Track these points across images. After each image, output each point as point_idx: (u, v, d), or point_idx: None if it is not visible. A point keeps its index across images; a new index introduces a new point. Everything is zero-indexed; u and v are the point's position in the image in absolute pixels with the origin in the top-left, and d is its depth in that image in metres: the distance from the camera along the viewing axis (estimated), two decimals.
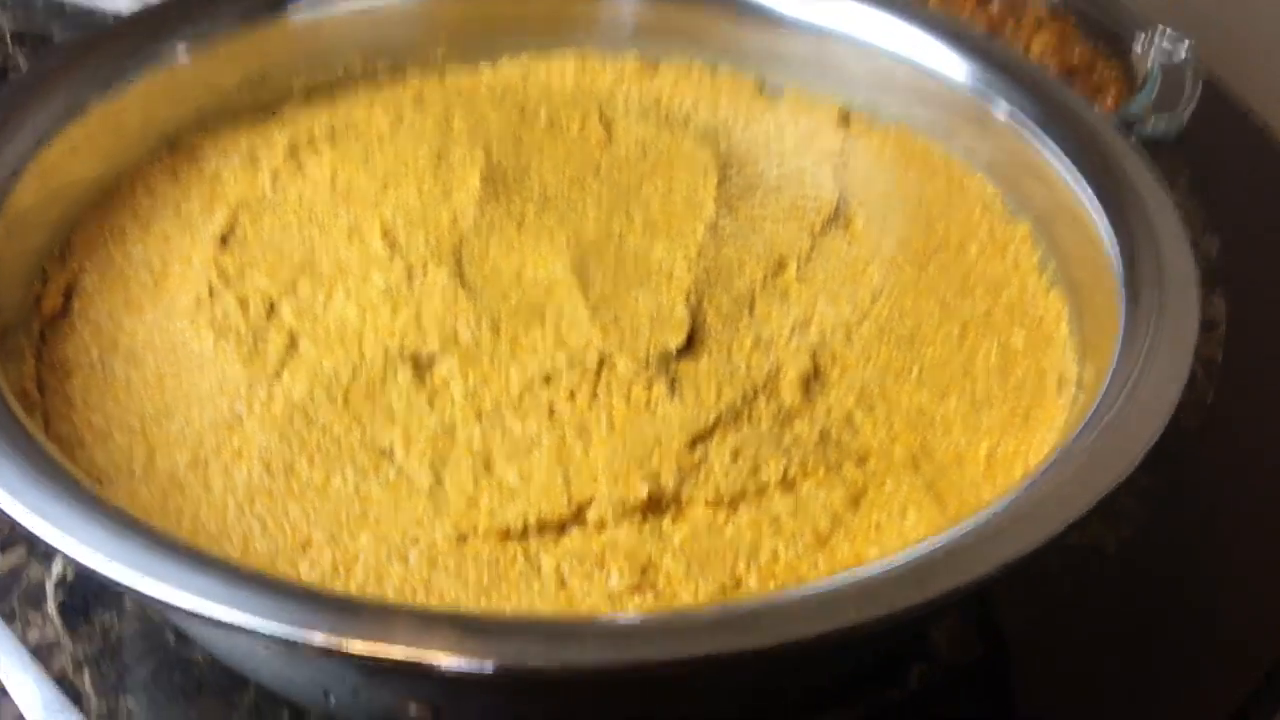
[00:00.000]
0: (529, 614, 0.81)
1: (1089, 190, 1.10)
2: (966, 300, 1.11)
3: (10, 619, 1.00)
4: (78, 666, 0.98)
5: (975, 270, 1.14)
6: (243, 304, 1.04)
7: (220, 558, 0.74)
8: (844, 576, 0.77)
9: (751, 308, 1.08)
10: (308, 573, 0.85)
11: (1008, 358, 1.06)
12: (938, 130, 1.29)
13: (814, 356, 1.03)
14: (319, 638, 0.68)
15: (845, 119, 1.34)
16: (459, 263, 1.09)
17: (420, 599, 0.84)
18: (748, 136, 1.31)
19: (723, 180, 1.22)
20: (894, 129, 1.32)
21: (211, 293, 1.04)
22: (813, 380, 1.02)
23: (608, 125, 1.31)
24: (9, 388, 0.89)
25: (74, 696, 0.94)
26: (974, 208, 1.21)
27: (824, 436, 0.97)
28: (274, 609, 0.69)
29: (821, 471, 0.94)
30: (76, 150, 1.12)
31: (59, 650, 0.99)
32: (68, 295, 1.07)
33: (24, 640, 0.97)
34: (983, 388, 1.03)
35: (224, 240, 1.11)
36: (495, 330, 1.02)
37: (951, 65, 1.26)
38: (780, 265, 1.13)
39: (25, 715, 0.90)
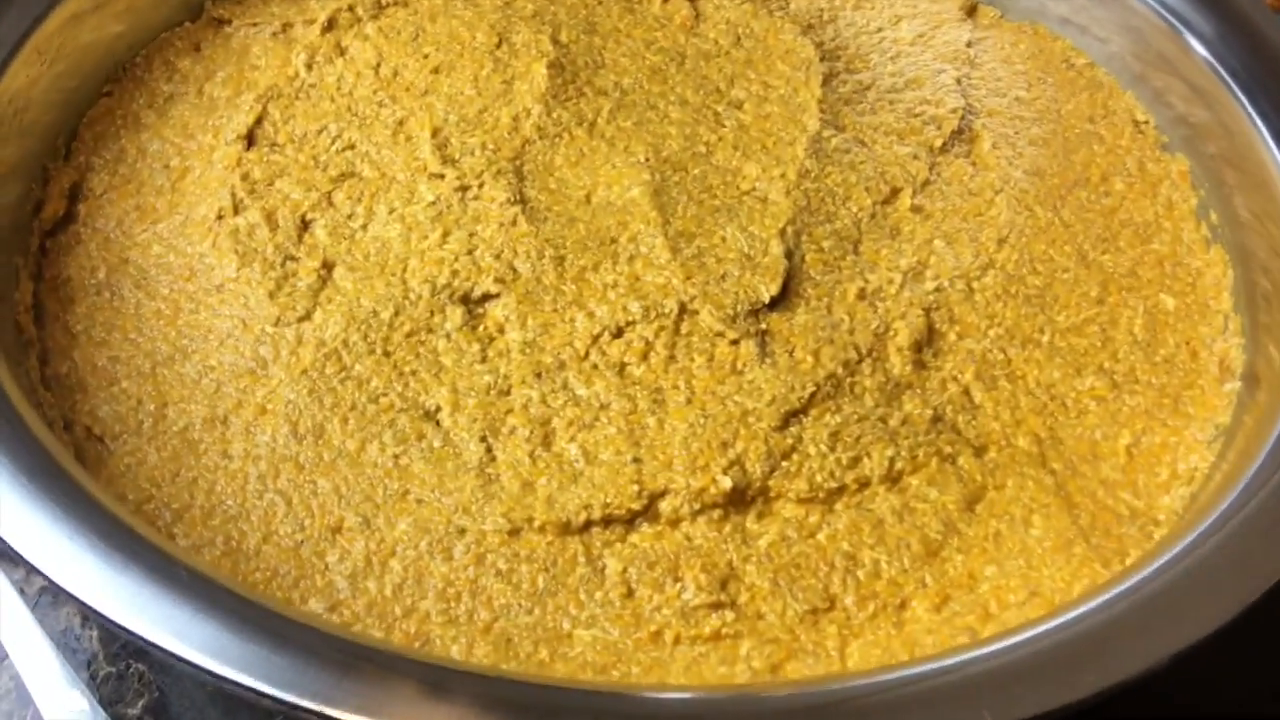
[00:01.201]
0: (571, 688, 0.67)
1: (1277, 127, 0.93)
2: (1108, 251, 0.95)
3: None
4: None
5: (1120, 213, 0.97)
6: (270, 219, 0.90)
7: (214, 592, 0.61)
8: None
9: (857, 246, 0.93)
10: (336, 565, 0.74)
11: (1155, 326, 0.90)
12: (1083, 31, 1.09)
13: (928, 314, 0.88)
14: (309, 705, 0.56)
15: (972, 8, 1.15)
16: (519, 176, 0.93)
17: (465, 605, 0.73)
18: (858, 23, 1.12)
19: (828, 79, 1.05)
20: (1029, 26, 1.13)
21: (236, 205, 0.90)
22: (926, 345, 0.87)
23: (694, 2, 1.12)
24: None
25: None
26: (1122, 132, 1.03)
27: (937, 418, 0.83)
28: (264, 668, 0.57)
29: (934, 464, 0.81)
30: (82, 18, 0.97)
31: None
32: (72, 198, 0.93)
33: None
34: (1125, 363, 0.88)
35: (250, 137, 0.95)
36: (559, 264, 0.88)
37: None
38: (893, 193, 0.96)
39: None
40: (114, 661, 0.85)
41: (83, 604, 0.58)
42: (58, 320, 0.85)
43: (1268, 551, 0.65)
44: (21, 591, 0.83)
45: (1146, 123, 1.03)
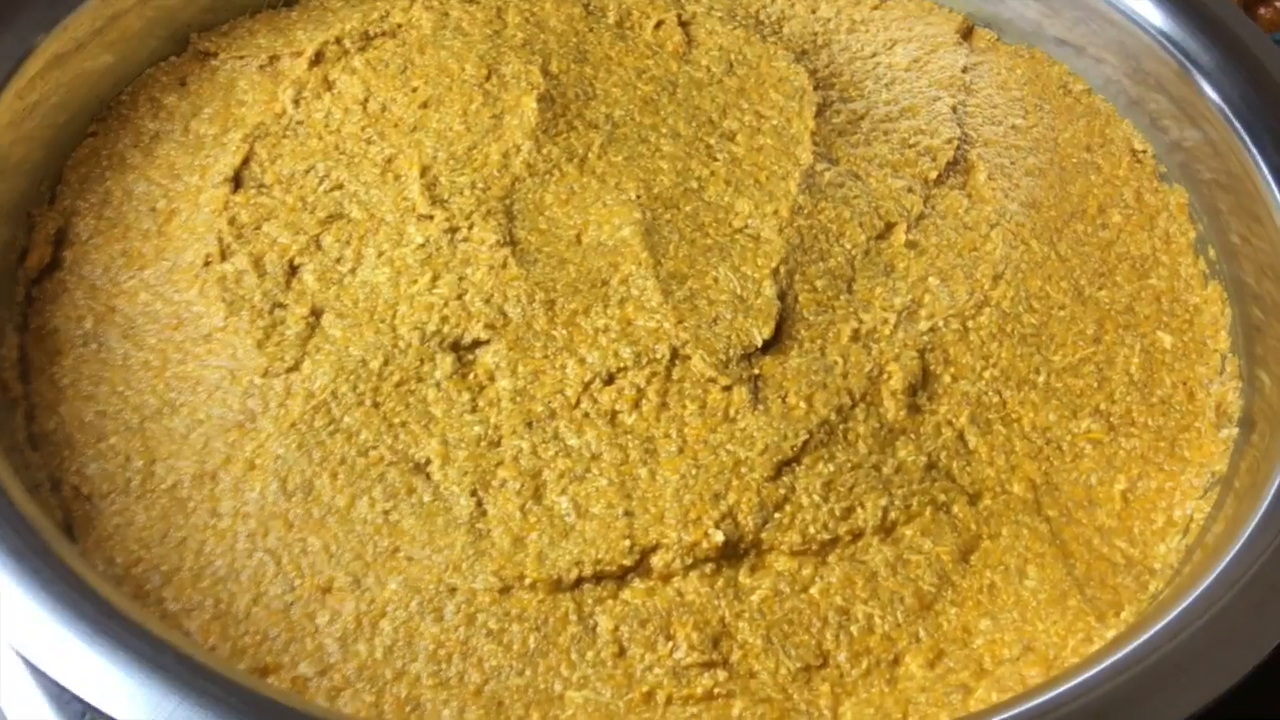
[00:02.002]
0: None
1: (1268, 147, 0.92)
2: (1105, 286, 0.94)
3: None
4: None
5: (1117, 246, 0.96)
6: (258, 265, 0.89)
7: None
8: None
9: (851, 285, 0.92)
10: (327, 627, 0.73)
11: (1152, 366, 0.90)
12: (1079, 52, 1.08)
13: (923, 355, 0.88)
14: None
15: (968, 31, 1.14)
16: (509, 216, 0.92)
17: (456, 667, 0.72)
18: (852, 48, 1.11)
19: (821, 109, 1.03)
20: (1026, 50, 1.12)
21: (223, 250, 0.89)
22: (920, 388, 0.87)
23: (686, 27, 1.11)
24: None
25: None
26: (1120, 162, 1.02)
27: (931, 465, 0.83)
28: None
29: (928, 513, 0.80)
30: (65, 59, 0.96)
31: None
32: (57, 244, 0.92)
33: None
34: (1121, 405, 0.87)
35: (238, 178, 0.94)
36: (550, 308, 0.87)
37: None
38: (887, 228, 0.96)
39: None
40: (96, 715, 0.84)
41: (72, 694, 0.57)
42: (44, 373, 0.84)
43: (1255, 628, 0.65)
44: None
45: (1145, 152, 1.02)
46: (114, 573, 0.74)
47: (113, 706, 0.58)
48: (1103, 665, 0.66)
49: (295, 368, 0.84)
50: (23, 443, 0.79)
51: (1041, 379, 0.88)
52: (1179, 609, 0.68)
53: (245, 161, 0.96)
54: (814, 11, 1.15)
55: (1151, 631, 0.67)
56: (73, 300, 0.89)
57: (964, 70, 1.08)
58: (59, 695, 0.82)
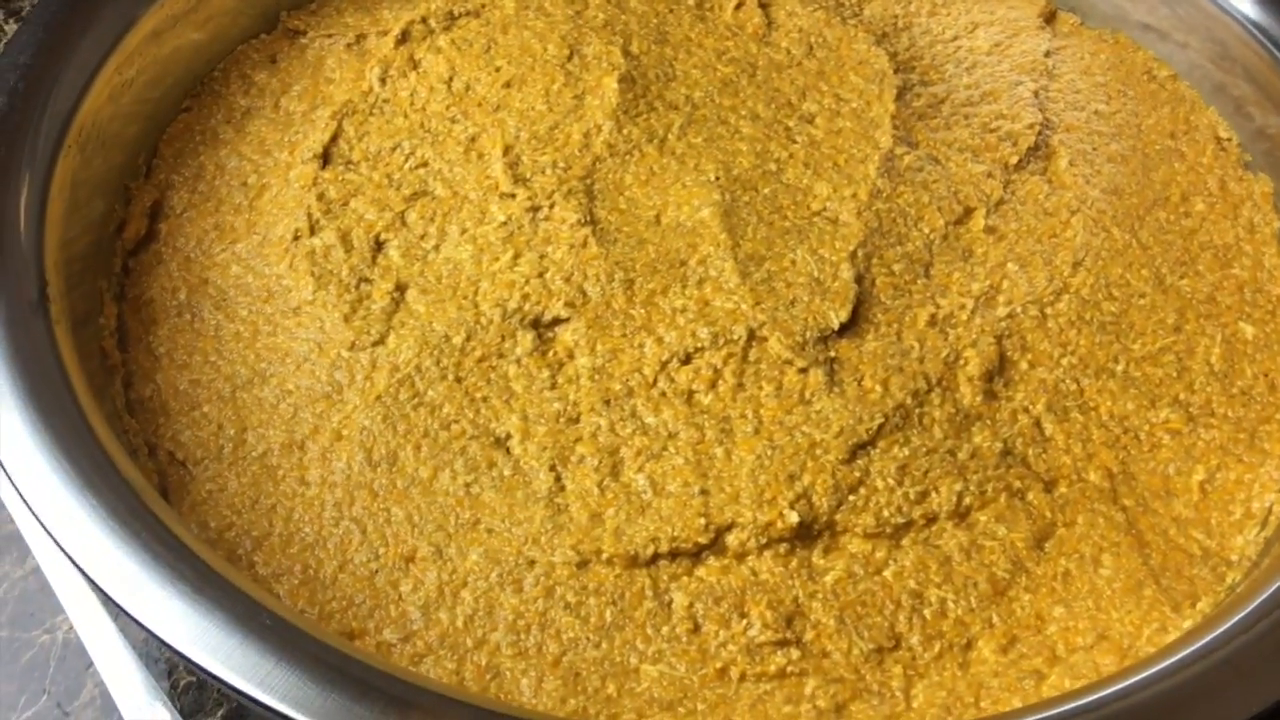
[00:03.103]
0: None
1: None
2: (1187, 275, 0.93)
3: None
4: None
5: (1199, 235, 0.95)
6: (345, 240, 0.91)
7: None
8: None
9: (928, 269, 0.92)
10: (410, 595, 0.76)
11: (1233, 357, 0.89)
12: (1163, 37, 1.07)
13: (1000, 342, 0.88)
14: None
15: (1051, 15, 1.13)
16: (590, 196, 0.94)
17: (535, 638, 0.74)
18: (933, 31, 1.11)
19: (901, 93, 1.03)
20: (1110, 34, 1.10)
21: (312, 225, 0.92)
22: (997, 374, 0.87)
23: (767, 8, 1.11)
24: (79, 350, 0.78)
25: None
26: (1204, 150, 1.01)
27: (1007, 451, 0.83)
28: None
29: (1003, 499, 0.81)
30: (161, 33, 0.98)
31: None
32: (153, 216, 0.95)
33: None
34: (1201, 395, 0.87)
35: (326, 155, 0.97)
36: (629, 288, 0.88)
37: None
38: (966, 213, 0.95)
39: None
40: (194, 672, 0.87)
41: (176, 652, 0.60)
42: (140, 342, 0.87)
43: None
44: (102, 598, 0.86)
45: (1229, 140, 1.01)
46: (208, 537, 0.77)
47: (213, 665, 0.60)
48: (1179, 655, 0.66)
49: (381, 342, 0.86)
50: (122, 409, 0.82)
51: (1120, 367, 0.87)
52: (1257, 601, 0.68)
53: (333, 138, 0.98)
54: None
55: (1229, 623, 0.67)
56: (168, 272, 0.92)
57: (1046, 55, 1.07)
58: (146, 654, 0.86)
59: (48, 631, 0.88)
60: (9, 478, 0.68)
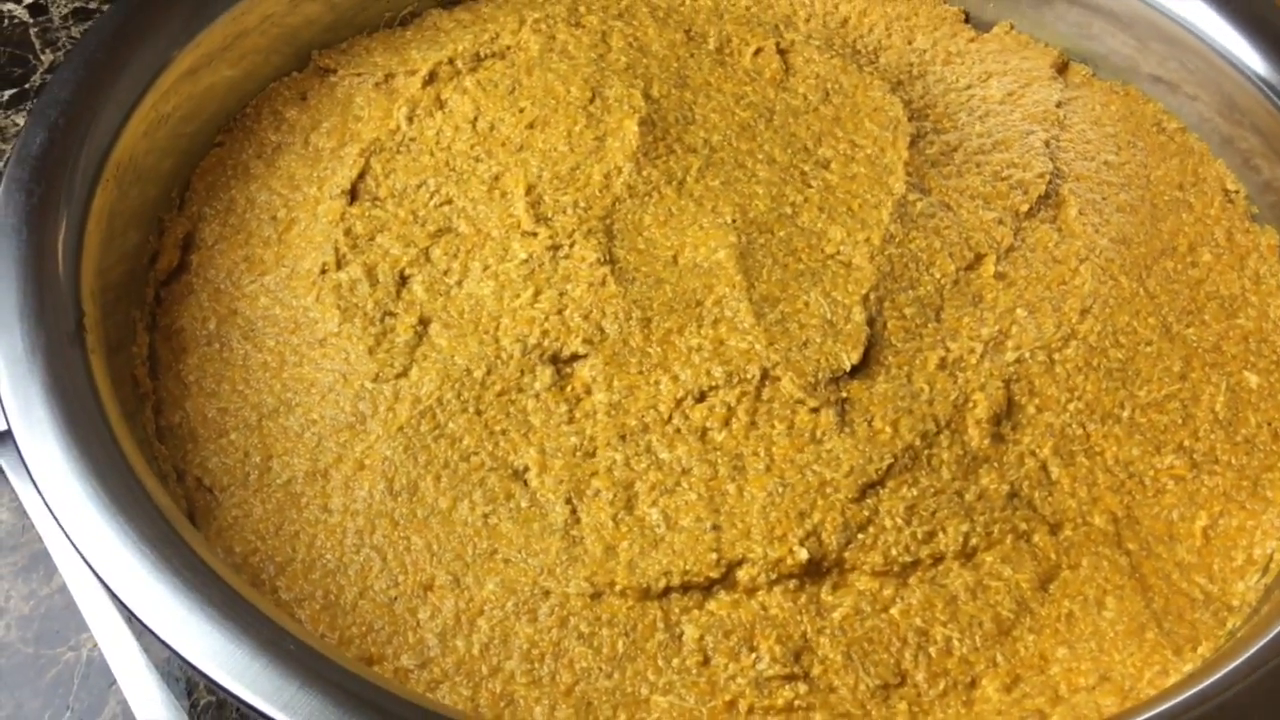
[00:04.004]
0: None
1: None
2: (1193, 324, 0.95)
3: None
4: None
5: (1206, 285, 0.97)
6: (371, 275, 0.94)
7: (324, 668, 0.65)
8: None
9: (939, 314, 0.94)
10: (428, 622, 0.78)
11: (1237, 405, 0.90)
12: (1173, 89, 1.09)
13: (1008, 386, 0.90)
14: None
15: (1063, 65, 1.15)
16: (609, 236, 0.96)
17: (549, 667, 0.76)
18: (947, 79, 1.13)
19: (915, 140, 1.06)
20: (1120, 86, 1.13)
21: (339, 259, 0.94)
22: (1004, 417, 0.88)
23: (785, 55, 1.14)
24: (113, 377, 0.81)
25: None
26: (1211, 201, 1.03)
27: (1014, 494, 0.85)
28: None
29: (1008, 541, 0.82)
30: (196, 73, 1.01)
31: None
32: (185, 248, 0.98)
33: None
34: (1205, 442, 0.89)
35: (353, 191, 0.99)
36: (646, 326, 0.90)
37: (1205, 18, 1.05)
38: (977, 259, 0.98)
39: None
40: (213, 691, 0.89)
41: (203, 674, 0.62)
42: (171, 370, 0.90)
43: None
44: (129, 621, 0.88)
45: (1237, 192, 1.03)
46: (233, 561, 0.79)
47: (237, 688, 0.62)
48: (1179, 699, 0.67)
49: (404, 374, 0.88)
50: (152, 435, 0.85)
51: (1126, 413, 0.89)
52: (1257, 646, 0.69)
53: (361, 175, 1.01)
54: (910, 42, 1.18)
55: (1229, 667, 0.69)
56: (198, 302, 0.94)
57: (1058, 105, 1.10)
58: (167, 673, 0.88)
59: (72, 649, 0.91)
60: (45, 501, 0.70)
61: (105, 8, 1.35)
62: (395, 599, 0.79)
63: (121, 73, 0.95)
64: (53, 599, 0.93)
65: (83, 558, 0.67)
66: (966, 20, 1.19)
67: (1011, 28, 1.17)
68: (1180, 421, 0.89)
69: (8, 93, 1.29)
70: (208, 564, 0.68)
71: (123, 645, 0.87)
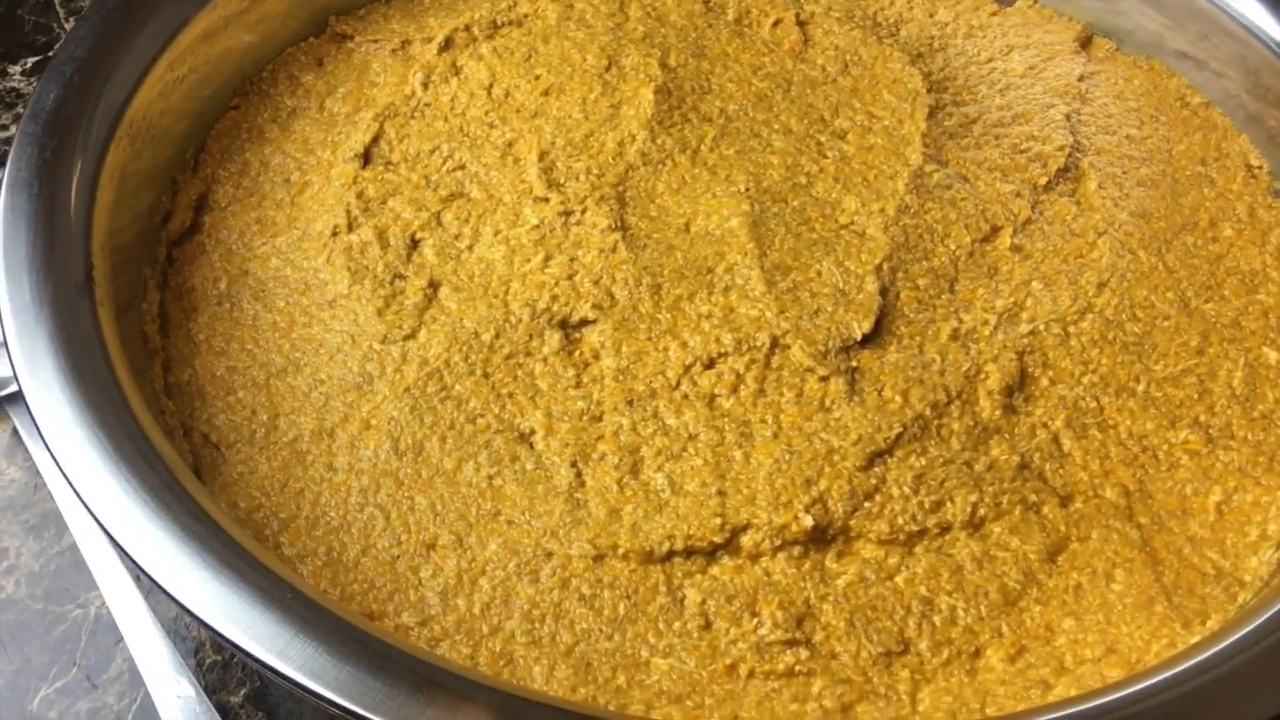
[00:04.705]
0: None
1: None
2: (1212, 299, 0.93)
3: None
4: None
5: (1226, 260, 0.96)
6: (382, 237, 0.93)
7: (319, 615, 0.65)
8: None
9: (953, 285, 0.93)
10: (429, 581, 0.77)
11: (1255, 381, 0.89)
12: (1200, 65, 1.08)
13: (1021, 358, 0.88)
14: None
15: (1086, 41, 1.14)
16: (621, 203, 0.95)
17: (549, 628, 0.76)
18: (969, 52, 1.12)
19: (934, 111, 1.05)
20: (1144, 60, 1.11)
21: (350, 222, 0.94)
22: (1017, 389, 0.87)
23: (804, 26, 1.13)
24: (122, 333, 0.81)
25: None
26: (1234, 177, 1.01)
27: (1024, 465, 0.84)
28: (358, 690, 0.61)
29: (1017, 512, 0.81)
30: (214, 34, 1.01)
31: None
32: (198, 209, 0.98)
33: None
34: (1221, 417, 0.87)
35: (366, 155, 0.99)
36: (656, 293, 0.90)
37: None
38: (993, 231, 0.96)
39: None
40: (219, 650, 0.90)
41: (201, 620, 0.62)
42: (181, 328, 0.90)
43: None
44: (137, 579, 0.89)
45: (1260, 168, 1.01)
46: (237, 516, 0.80)
47: (234, 633, 0.62)
48: (1182, 666, 0.66)
49: (412, 336, 0.88)
50: (160, 391, 0.85)
51: (1141, 387, 0.88)
52: (1264, 616, 0.68)
53: (375, 140, 1.00)
54: (932, 15, 1.16)
55: (1235, 636, 0.68)
56: (210, 262, 0.94)
57: (1080, 79, 1.08)
58: (174, 631, 0.88)
59: (80, 606, 0.91)
60: (50, 452, 0.70)
61: None
62: (398, 557, 0.79)
63: (138, 32, 0.95)
64: (62, 557, 0.93)
65: (86, 506, 0.67)
66: None
67: (1035, 2, 1.16)
68: (1196, 396, 0.88)
69: (30, 60, 1.30)
70: (208, 513, 0.68)
71: (130, 604, 0.88)
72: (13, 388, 0.98)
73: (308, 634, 0.62)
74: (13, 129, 1.23)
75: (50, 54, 1.31)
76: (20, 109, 1.25)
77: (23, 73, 1.29)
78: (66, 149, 0.85)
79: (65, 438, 0.70)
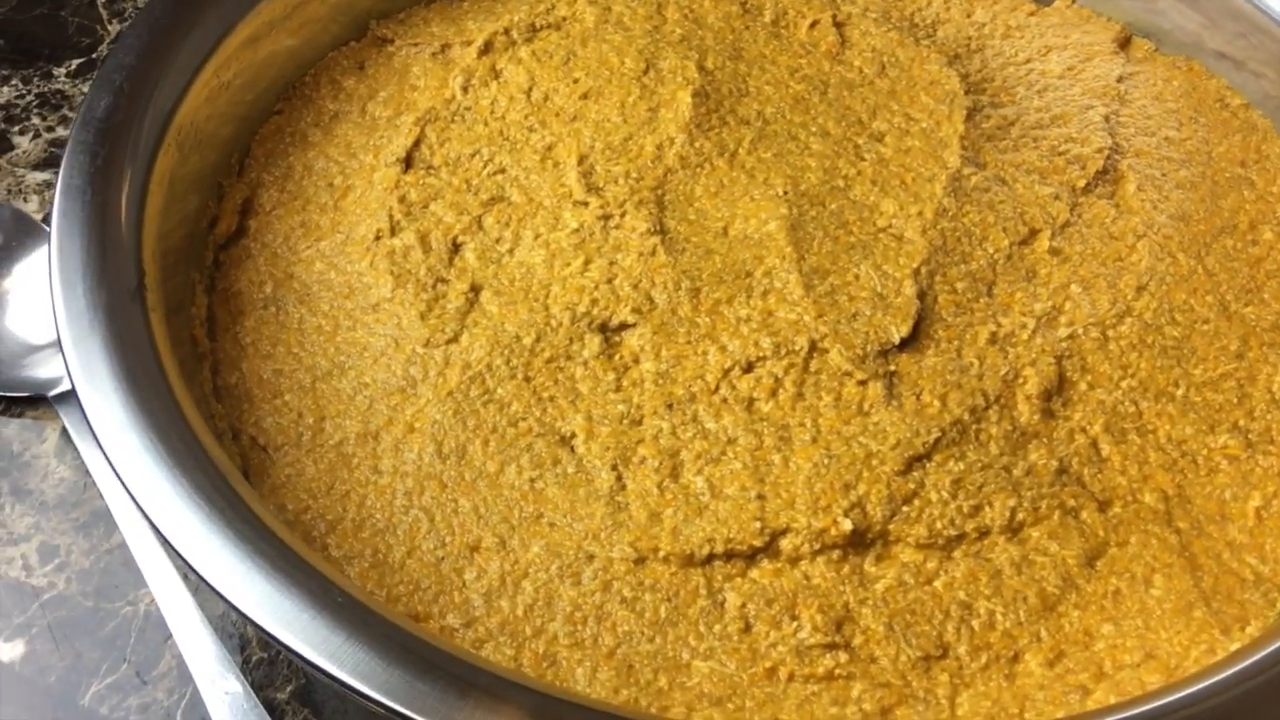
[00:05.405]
0: None
1: None
2: (1252, 303, 0.93)
3: None
4: None
5: (1266, 263, 0.96)
6: (424, 241, 0.95)
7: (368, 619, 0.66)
8: None
9: (991, 289, 0.93)
10: (473, 583, 0.79)
11: None
12: (1239, 66, 1.07)
13: (1060, 362, 0.89)
14: None
15: (1126, 40, 1.14)
16: (660, 206, 0.96)
17: (591, 630, 0.77)
18: (1006, 53, 1.12)
19: (971, 114, 1.05)
20: (1184, 62, 1.11)
21: (393, 226, 0.95)
22: (1055, 394, 0.88)
23: (841, 28, 1.13)
24: (172, 337, 0.83)
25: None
26: (1274, 179, 1.01)
27: (1063, 470, 0.84)
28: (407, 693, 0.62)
29: (1056, 517, 0.82)
30: (256, 41, 1.03)
31: None
32: (243, 213, 0.99)
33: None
34: (1261, 422, 0.87)
35: (408, 159, 1.00)
36: (695, 296, 0.91)
37: None
38: (1031, 234, 0.97)
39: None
40: (266, 648, 0.92)
41: (253, 623, 0.63)
42: (228, 332, 0.92)
43: None
44: (185, 577, 0.90)
45: None
46: (285, 519, 0.81)
47: (287, 637, 0.64)
48: (1224, 674, 0.67)
49: (454, 340, 0.89)
50: (209, 394, 0.87)
51: (1180, 392, 0.88)
52: None
53: (416, 143, 1.02)
54: (969, 16, 1.16)
55: (1276, 644, 0.68)
56: (255, 266, 0.96)
57: (1119, 80, 1.08)
58: (221, 628, 0.90)
59: (130, 604, 0.93)
60: (104, 452, 0.72)
61: None
62: (442, 559, 0.80)
63: (184, 40, 0.97)
64: (112, 554, 0.95)
65: (139, 508, 0.69)
66: None
67: (1073, 2, 1.16)
68: (1236, 401, 0.88)
69: (75, 62, 1.32)
70: (260, 517, 0.69)
71: (179, 601, 0.90)
72: (62, 387, 1.00)
73: (359, 638, 0.64)
74: (59, 130, 1.26)
75: (94, 55, 1.33)
76: (66, 110, 1.27)
77: (67, 74, 1.31)
78: (117, 156, 0.87)
79: (121, 443, 0.71)
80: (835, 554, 0.80)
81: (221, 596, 0.65)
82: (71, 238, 0.81)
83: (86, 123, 0.88)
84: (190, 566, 0.66)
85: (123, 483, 0.69)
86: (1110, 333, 0.91)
